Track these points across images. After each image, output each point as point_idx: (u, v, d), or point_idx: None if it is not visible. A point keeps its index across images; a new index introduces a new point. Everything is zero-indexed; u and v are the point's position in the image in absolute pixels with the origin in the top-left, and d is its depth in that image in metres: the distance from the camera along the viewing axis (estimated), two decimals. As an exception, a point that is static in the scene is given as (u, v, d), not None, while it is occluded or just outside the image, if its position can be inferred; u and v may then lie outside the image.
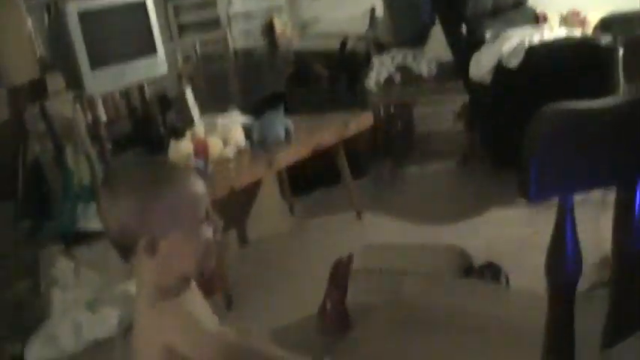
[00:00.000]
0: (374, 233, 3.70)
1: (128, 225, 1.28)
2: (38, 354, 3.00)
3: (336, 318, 2.80)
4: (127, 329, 2.87)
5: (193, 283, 1.40)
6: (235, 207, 3.89)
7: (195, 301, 1.38)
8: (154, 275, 1.31)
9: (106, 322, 3.08)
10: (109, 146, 4.05)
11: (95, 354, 3.04)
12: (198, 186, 1.33)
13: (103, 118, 4.24)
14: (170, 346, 1.27)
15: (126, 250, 1.31)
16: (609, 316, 1.08)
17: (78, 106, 3.83)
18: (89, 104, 3.89)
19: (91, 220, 3.49)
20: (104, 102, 4.28)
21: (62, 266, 3.35)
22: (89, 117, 3.90)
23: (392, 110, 5.20)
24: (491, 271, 2.65)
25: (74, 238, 3.49)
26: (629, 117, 0.94)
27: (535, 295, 1.60)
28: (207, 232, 1.33)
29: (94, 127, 3.95)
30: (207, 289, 3.31)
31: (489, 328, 1.45)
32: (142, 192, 1.29)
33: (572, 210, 0.96)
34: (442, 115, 5.10)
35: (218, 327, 1.33)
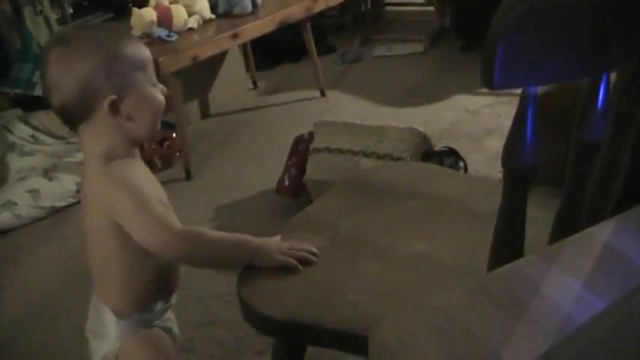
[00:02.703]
0: (337, 112, 3.69)
1: (92, 83, 1.29)
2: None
3: (294, 192, 2.84)
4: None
5: (140, 160, 1.42)
6: (198, 78, 3.84)
7: (145, 175, 1.41)
8: (109, 138, 1.33)
9: (63, 190, 3.07)
10: (69, 10, 3.94)
11: (53, 221, 3.04)
12: (147, 49, 1.39)
13: (63, -21, 4.09)
14: (119, 223, 1.32)
15: (76, 116, 1.33)
16: (561, 208, 1.10)
17: (36, -35, 3.68)
18: (48, -36, 3.74)
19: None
20: (65, -38, 4.12)
21: (20, 132, 3.31)
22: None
23: (362, -13, 5.09)
24: (450, 157, 2.68)
25: (32, 104, 3.43)
26: (602, 9, 0.92)
27: (492, 182, 1.63)
28: (158, 94, 1.37)
29: (53, -11, 3.81)
30: (167, 160, 3.32)
31: (445, 208, 1.48)
32: (108, 49, 1.31)
33: (534, 100, 0.95)
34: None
35: (166, 213, 1.34)
